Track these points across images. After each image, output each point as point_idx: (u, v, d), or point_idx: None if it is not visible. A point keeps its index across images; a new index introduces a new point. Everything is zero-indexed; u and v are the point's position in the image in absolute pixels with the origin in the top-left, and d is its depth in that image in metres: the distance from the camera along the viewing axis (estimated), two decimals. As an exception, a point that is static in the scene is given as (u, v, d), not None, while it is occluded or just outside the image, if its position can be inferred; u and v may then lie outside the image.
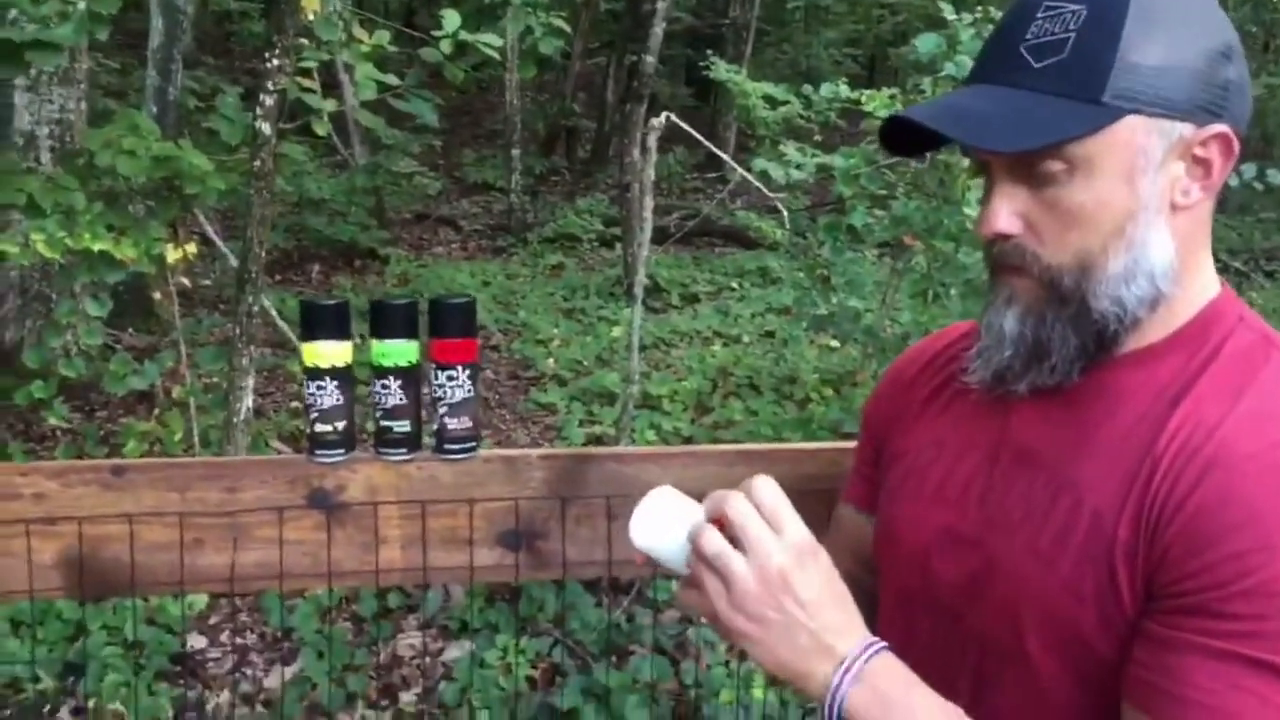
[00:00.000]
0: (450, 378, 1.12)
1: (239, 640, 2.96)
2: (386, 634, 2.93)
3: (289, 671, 2.77)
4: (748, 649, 0.76)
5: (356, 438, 1.14)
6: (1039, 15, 0.76)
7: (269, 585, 1.12)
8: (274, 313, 3.63)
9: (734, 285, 7.02)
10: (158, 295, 3.40)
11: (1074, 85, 0.73)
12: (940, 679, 0.85)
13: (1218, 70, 0.75)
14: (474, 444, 1.15)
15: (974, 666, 0.83)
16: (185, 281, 3.54)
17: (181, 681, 2.74)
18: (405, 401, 1.12)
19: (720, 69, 6.07)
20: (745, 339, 5.76)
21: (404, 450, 1.13)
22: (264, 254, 3.47)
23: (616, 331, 5.85)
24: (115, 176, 3.20)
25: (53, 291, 4.56)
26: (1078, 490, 0.77)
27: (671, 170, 10.34)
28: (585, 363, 5.37)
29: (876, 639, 0.77)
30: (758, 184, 3.12)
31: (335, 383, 1.11)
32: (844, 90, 4.55)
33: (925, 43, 3.25)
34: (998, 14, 3.27)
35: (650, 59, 6.43)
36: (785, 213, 3.56)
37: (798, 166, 3.55)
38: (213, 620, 3.03)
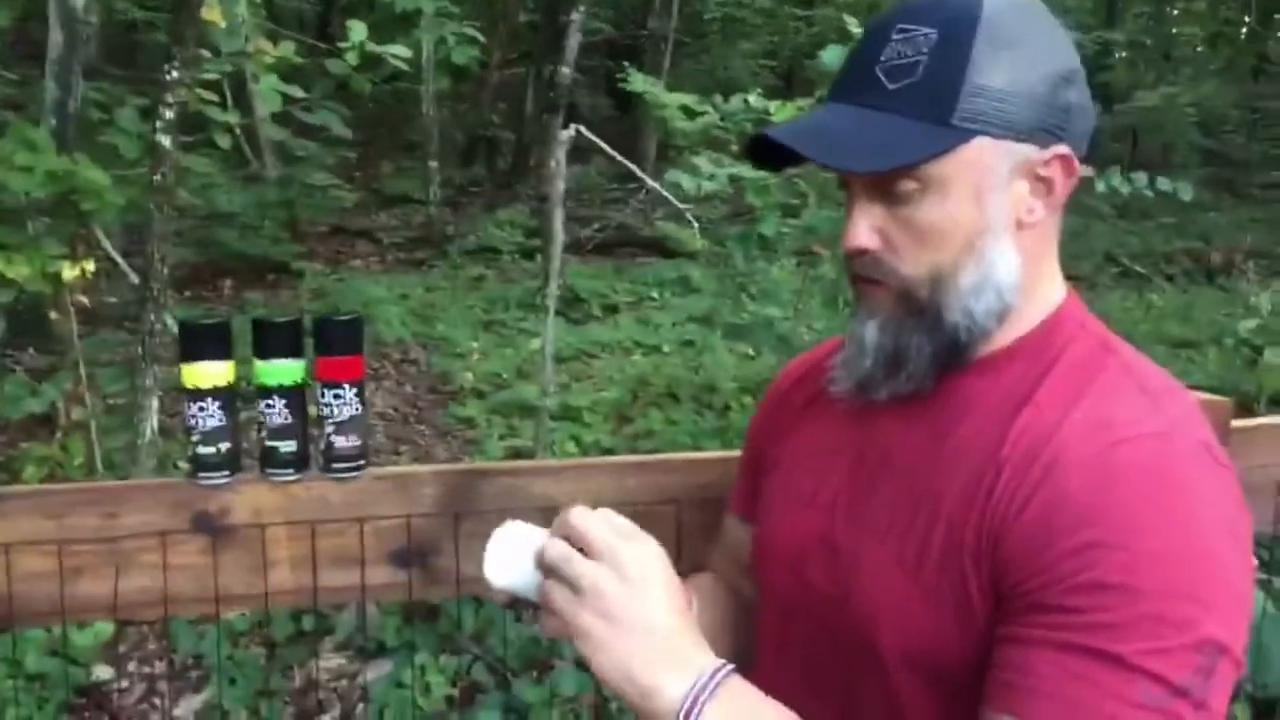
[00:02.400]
0: (337, 396, 1.11)
1: (146, 669, 2.87)
2: (301, 658, 2.88)
3: (199, 699, 2.69)
4: (594, 654, 0.72)
5: (241, 459, 1.13)
6: (894, 37, 0.78)
7: (154, 612, 1.09)
8: (176, 331, 3.54)
9: (654, 295, 7.06)
10: (54, 314, 3.29)
11: (925, 107, 0.76)
12: (815, 689, 0.87)
13: (1060, 93, 0.78)
14: (363, 462, 1.14)
15: (844, 676, 0.85)
16: (84, 299, 3.44)
17: (87, 714, 2.65)
18: (291, 421, 1.11)
19: (637, 80, 6.08)
20: (665, 348, 5.79)
21: (291, 470, 1.12)
22: (166, 270, 3.39)
23: (536, 343, 5.83)
24: (7, 193, 3.10)
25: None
26: (935, 501, 0.79)
27: (593, 181, 10.36)
28: (505, 375, 5.34)
29: (726, 661, 0.74)
30: (668, 195, 3.15)
31: (217, 403, 1.09)
32: (754, 100, 4.62)
33: (830, 55, 3.32)
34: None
35: (566, 70, 6.42)
36: (695, 224, 3.59)
37: (710, 177, 3.58)
38: (120, 649, 2.94)
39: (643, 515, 1.21)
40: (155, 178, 3.25)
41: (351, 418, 1.12)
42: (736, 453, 1.25)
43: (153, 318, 3.34)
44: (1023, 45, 0.77)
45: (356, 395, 1.12)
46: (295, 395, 1.11)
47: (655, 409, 4.72)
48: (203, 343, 1.09)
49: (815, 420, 0.94)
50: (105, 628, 2.95)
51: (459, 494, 1.17)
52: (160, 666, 2.87)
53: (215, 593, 1.11)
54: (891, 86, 0.77)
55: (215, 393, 1.09)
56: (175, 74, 3.24)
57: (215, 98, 3.35)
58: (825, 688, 0.86)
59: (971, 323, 0.79)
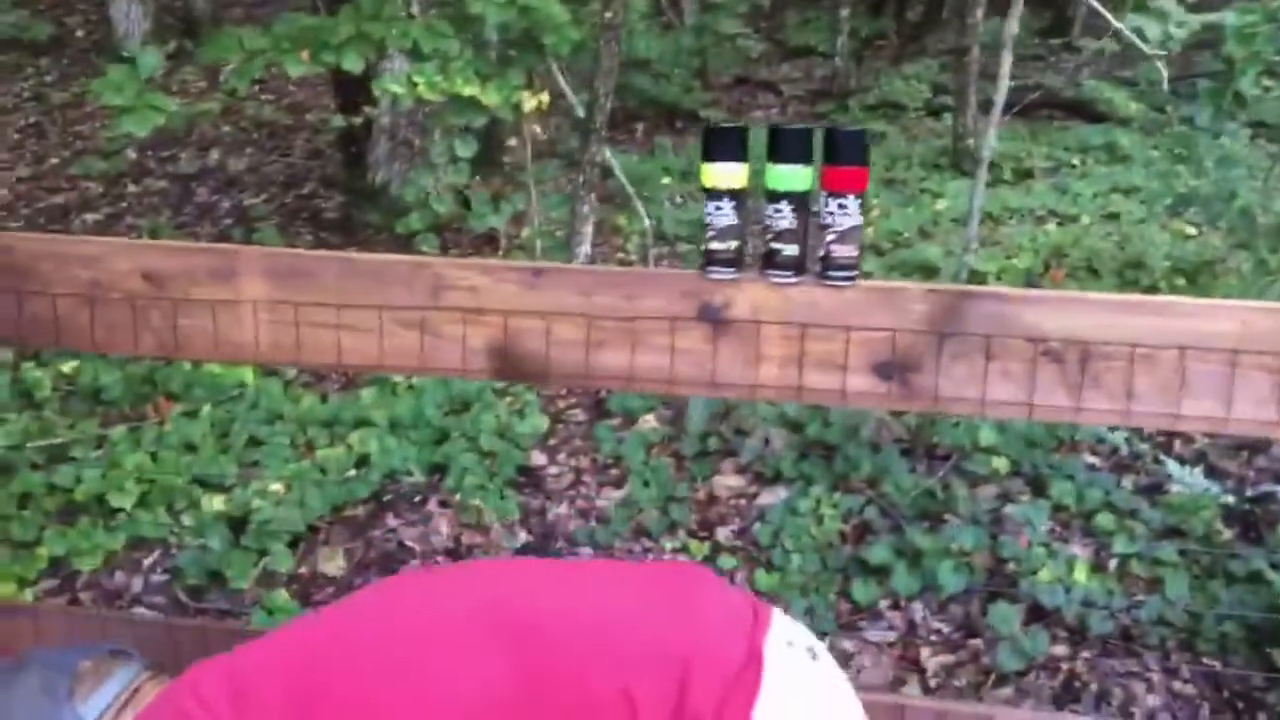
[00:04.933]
0: (841, 206, 1.14)
1: (573, 463, 3.24)
2: (705, 473, 3.10)
3: (619, 494, 3.01)
4: None
5: (746, 258, 1.20)
6: None
7: (660, 388, 1.22)
8: (614, 164, 3.80)
9: (1075, 162, 6.48)
10: (513, 141, 3.65)
11: None
12: None
13: None
14: (855, 272, 1.17)
15: None
16: (538, 130, 3.77)
17: (527, 490, 3.06)
18: (795, 226, 1.16)
19: (1085, -83, 5.47)
20: (1085, 219, 5.35)
21: (790, 273, 1.18)
22: (609, 106, 3.62)
23: (941, 205, 5.62)
24: (482, 25, 3.43)
25: (416, 136, 5.01)
26: None
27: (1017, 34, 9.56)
28: (906, 234, 5.22)
29: None
30: (1134, 39, 2.83)
31: (732, 203, 1.16)
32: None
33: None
34: None
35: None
36: (1164, 71, 3.19)
37: (1179, 24, 3.18)
38: (551, 442, 3.33)
39: (1143, 359, 1.16)
40: (606, 15, 3.44)
41: (852, 228, 1.15)
42: (1253, 304, 1.14)
43: (594, 150, 3.61)
44: None
45: (859, 206, 1.14)
46: (802, 201, 1.15)
47: (1071, 281, 4.42)
48: (723, 145, 1.16)
49: None
50: (541, 422, 3.35)
51: (947, 314, 1.17)
52: (585, 461, 3.22)
53: (712, 377, 1.21)
54: None
55: (730, 193, 1.16)
56: (631, -89, 3.36)
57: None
58: None
59: None
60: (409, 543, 2.86)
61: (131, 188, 6.29)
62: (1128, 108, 6.52)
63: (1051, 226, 5.28)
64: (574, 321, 1.21)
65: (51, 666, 1.07)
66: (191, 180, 6.34)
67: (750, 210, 1.18)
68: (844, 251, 1.16)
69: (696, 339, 1.21)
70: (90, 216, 5.85)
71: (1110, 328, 1.15)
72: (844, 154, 1.14)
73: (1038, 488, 2.99)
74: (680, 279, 1.20)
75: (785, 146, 1.14)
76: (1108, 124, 6.78)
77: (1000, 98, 2.87)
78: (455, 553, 2.81)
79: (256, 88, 7.29)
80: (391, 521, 2.95)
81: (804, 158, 1.14)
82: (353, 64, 2.69)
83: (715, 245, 1.17)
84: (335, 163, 5.82)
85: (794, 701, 0.93)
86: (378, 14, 2.81)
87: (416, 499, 3.03)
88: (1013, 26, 2.82)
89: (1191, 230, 4.80)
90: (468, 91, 3.20)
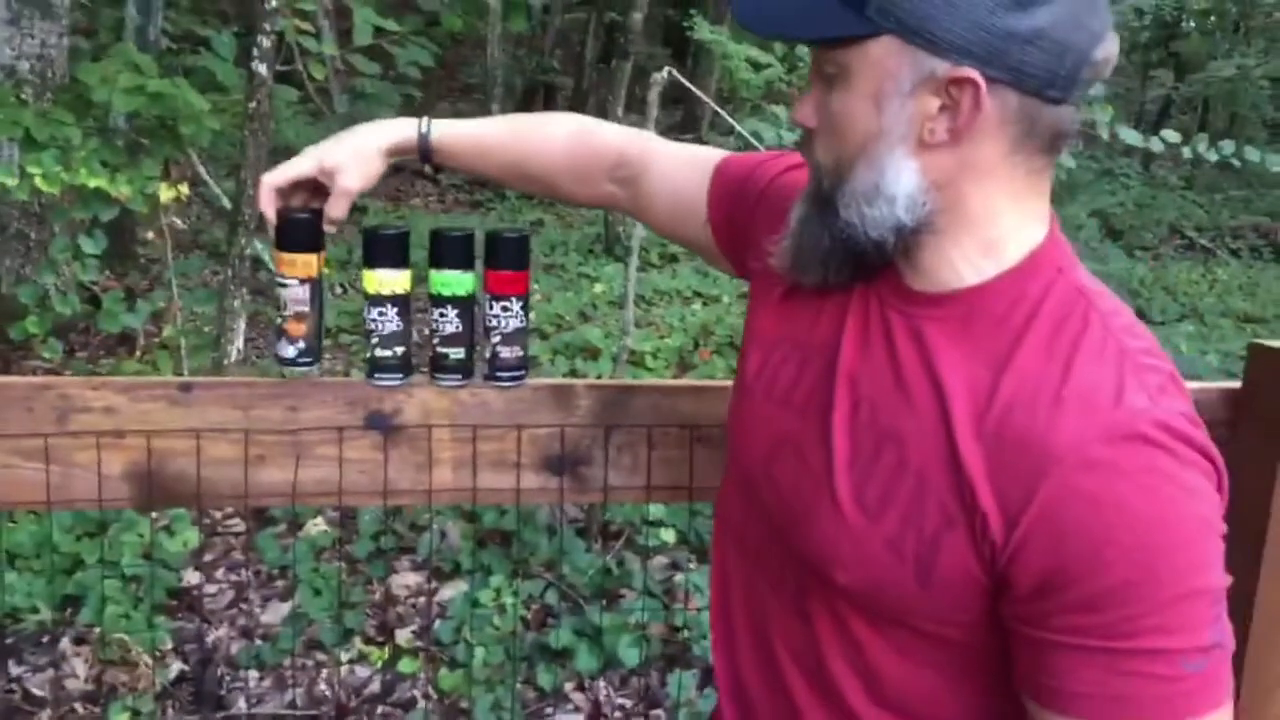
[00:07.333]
0: (505, 308, 1.17)
1: (234, 577, 3.00)
2: (381, 574, 2.99)
3: (285, 608, 2.81)
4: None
5: (413, 363, 1.19)
6: None
7: (329, 501, 1.17)
8: (266, 257, 3.63)
9: (712, 246, 7.06)
10: (150, 235, 3.39)
11: None
12: (770, 583, 0.91)
13: (1001, 18, 0.71)
14: (523, 372, 1.20)
15: (798, 583, 0.88)
16: (178, 222, 3.52)
17: (180, 615, 2.78)
18: (461, 330, 1.17)
19: (704, 29, 6.06)
20: (725, 299, 5.82)
21: (458, 377, 1.18)
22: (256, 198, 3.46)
23: (598, 288, 5.89)
24: (109, 112, 3.18)
25: (31, 229, 4.51)
26: (899, 444, 0.78)
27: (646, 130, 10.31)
28: (567, 318, 5.40)
29: None
30: (753, 143, 3.17)
31: (395, 309, 1.15)
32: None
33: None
34: None
35: (638, 15, 6.41)
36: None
37: (791, 129, 3.59)
38: (207, 557, 3.07)
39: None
40: (251, 105, 3.32)
41: (516, 330, 1.18)
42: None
43: (242, 243, 3.43)
44: None
45: (522, 309, 1.18)
46: (466, 305, 1.16)
47: (718, 357, 4.77)
48: (385, 250, 1.15)
49: (788, 294, 0.92)
50: (192, 535, 3.08)
51: (611, 408, 1.23)
52: (246, 574, 2.99)
53: (384, 486, 1.18)
54: None
55: (394, 299, 1.15)
56: (274, 2, 3.29)
57: (311, 28, 3.39)
58: (781, 587, 0.89)
59: (863, 226, 0.78)
60: (36, 691, 2.50)
61: None
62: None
63: (698, 306, 5.70)
64: (230, 438, 1.14)
65: None
66: None
67: (415, 314, 1.18)
68: (510, 353, 1.18)
69: (366, 448, 1.17)
70: None
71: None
72: (505, 258, 1.16)
73: (702, 554, 3.16)
74: (346, 388, 1.17)
75: (447, 252, 1.15)
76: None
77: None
78: (95, 696, 2.49)
79: None
80: (14, 669, 2.57)
81: (465, 263, 1.16)
82: (-49, 152, 2.38)
83: (380, 352, 1.16)
84: (-72, 258, 5.07)
85: None
86: (-19, 98, 2.52)
87: (44, 640, 2.66)
88: (650, 124, 3.05)
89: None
90: (94, 183, 2.93)
